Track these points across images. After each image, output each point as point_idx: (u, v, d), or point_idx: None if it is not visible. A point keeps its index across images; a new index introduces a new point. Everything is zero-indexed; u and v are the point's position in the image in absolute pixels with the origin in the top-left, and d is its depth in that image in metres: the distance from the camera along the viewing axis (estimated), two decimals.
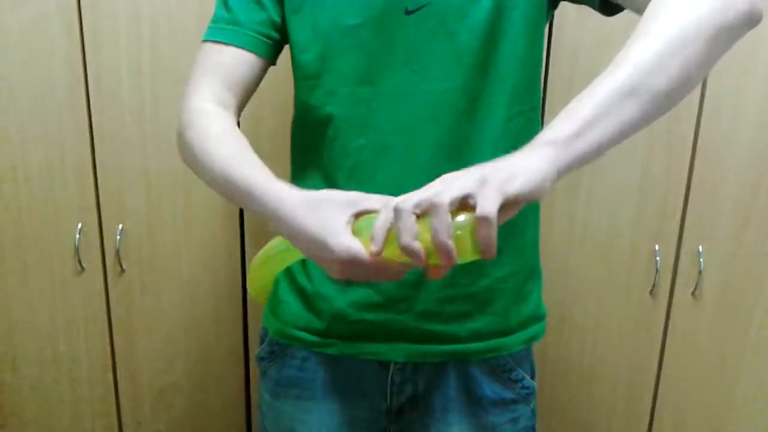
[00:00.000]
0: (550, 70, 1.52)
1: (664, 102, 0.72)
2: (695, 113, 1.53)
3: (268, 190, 0.81)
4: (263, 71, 1.02)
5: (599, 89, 0.70)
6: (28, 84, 1.55)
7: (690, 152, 1.56)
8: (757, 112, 1.51)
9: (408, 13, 0.93)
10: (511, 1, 0.92)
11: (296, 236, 0.77)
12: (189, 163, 0.96)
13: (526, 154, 0.68)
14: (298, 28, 0.98)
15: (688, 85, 0.73)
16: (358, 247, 0.71)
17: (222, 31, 0.98)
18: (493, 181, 0.64)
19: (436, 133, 0.94)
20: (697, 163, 1.56)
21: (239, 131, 0.94)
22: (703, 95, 1.52)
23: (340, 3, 0.94)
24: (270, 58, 1.02)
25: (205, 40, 1.00)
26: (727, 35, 0.73)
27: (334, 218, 0.74)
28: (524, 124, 0.97)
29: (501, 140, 0.95)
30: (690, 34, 0.71)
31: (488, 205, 0.62)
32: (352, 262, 0.71)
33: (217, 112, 0.95)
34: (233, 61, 0.98)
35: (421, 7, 0.92)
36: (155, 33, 1.53)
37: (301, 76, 1.00)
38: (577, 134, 0.68)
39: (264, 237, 1.63)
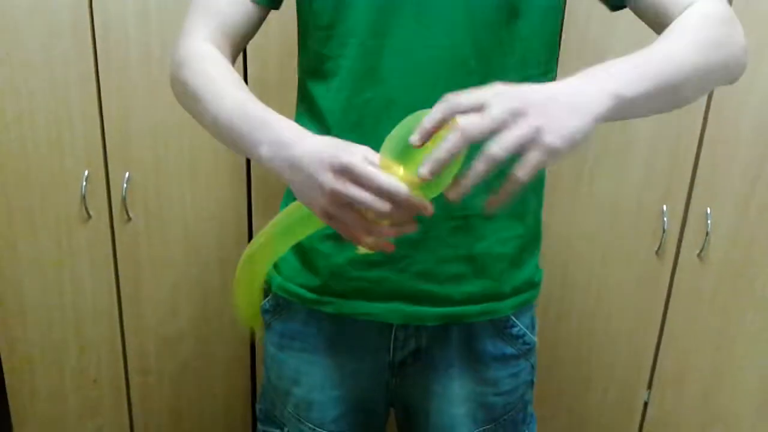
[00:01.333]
0: (561, 44, 1.49)
1: (677, 96, 0.83)
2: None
3: (281, 119, 0.83)
4: (262, 18, 1.02)
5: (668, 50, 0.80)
6: (34, 32, 1.53)
7: (702, 113, 1.54)
8: None
9: None
10: None
11: (303, 151, 0.77)
12: (183, 101, 0.96)
13: (589, 89, 0.72)
14: None
15: (682, 95, 0.84)
16: (372, 166, 0.72)
17: None
18: (545, 139, 0.67)
19: (443, 91, 0.92)
20: (708, 125, 1.54)
21: (236, 73, 0.94)
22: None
23: None
24: (268, 4, 1.01)
25: None
26: (721, 78, 0.87)
27: (350, 146, 0.76)
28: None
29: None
30: (712, 61, 0.83)
31: (522, 174, 0.68)
32: (349, 170, 0.72)
33: (212, 53, 0.94)
34: (232, 5, 0.98)
35: None
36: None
37: (314, 25, 0.98)
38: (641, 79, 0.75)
39: (270, 186, 1.64)
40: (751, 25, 1.43)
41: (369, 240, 0.76)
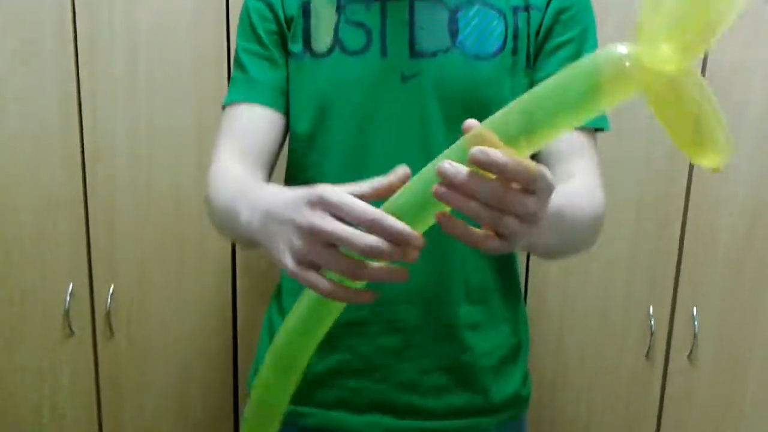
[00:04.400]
0: None
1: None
2: (686, 175, 1.54)
3: (263, 185, 0.82)
4: (286, 128, 1.03)
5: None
6: (21, 148, 1.56)
7: (681, 213, 1.56)
8: (747, 173, 1.52)
9: (404, 79, 0.95)
10: (502, 76, 0.94)
11: (274, 202, 0.69)
12: (212, 221, 0.96)
13: None
14: (297, 88, 1.00)
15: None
16: (344, 189, 0.64)
17: (241, 91, 1.00)
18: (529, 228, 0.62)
19: None
20: (688, 224, 1.56)
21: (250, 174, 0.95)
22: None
23: (337, 65, 0.96)
24: (283, 110, 1.03)
25: (225, 105, 1.02)
26: (580, 243, 0.93)
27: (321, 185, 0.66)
28: None
29: None
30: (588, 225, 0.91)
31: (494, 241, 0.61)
32: (325, 200, 0.62)
33: (232, 166, 0.95)
34: (253, 119, 0.99)
35: (416, 74, 0.94)
36: (151, 88, 1.55)
37: (296, 135, 1.01)
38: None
39: (257, 302, 1.63)
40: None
41: (349, 293, 0.65)
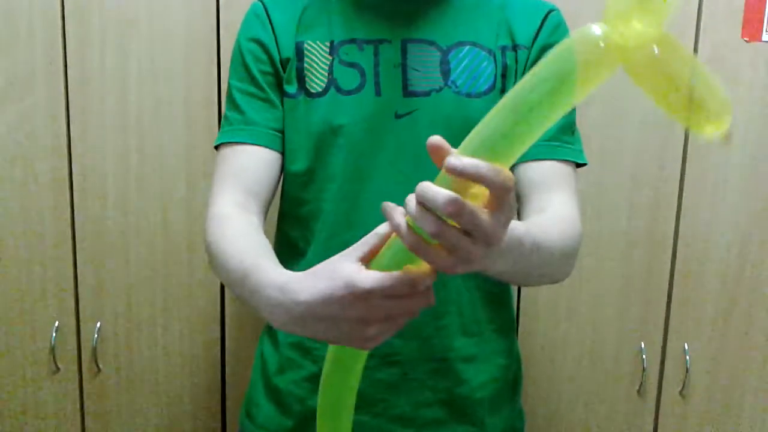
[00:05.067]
0: None
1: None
2: (674, 210, 1.55)
3: (272, 270, 0.78)
4: (282, 167, 1.03)
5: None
6: (11, 185, 1.55)
7: (671, 250, 1.57)
8: (736, 210, 1.53)
9: (398, 117, 0.96)
10: None
11: (309, 305, 0.70)
12: (214, 270, 0.94)
13: None
14: (292, 127, 1.00)
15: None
16: (376, 274, 0.66)
17: (238, 132, 1.00)
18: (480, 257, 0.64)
19: None
20: (678, 261, 1.57)
21: (258, 229, 0.93)
22: (681, 189, 1.54)
23: (333, 104, 0.97)
24: (280, 149, 1.03)
25: (221, 144, 1.01)
26: (548, 273, 0.90)
27: (343, 266, 0.69)
28: None
29: None
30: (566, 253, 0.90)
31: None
32: (373, 291, 0.65)
33: (235, 214, 0.94)
34: (252, 161, 0.99)
35: (410, 112, 0.96)
36: (140, 124, 1.55)
37: (292, 172, 1.02)
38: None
39: (246, 336, 1.61)
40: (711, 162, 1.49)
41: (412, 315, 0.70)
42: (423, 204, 0.59)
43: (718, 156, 1.52)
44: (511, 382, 1.05)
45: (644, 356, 1.60)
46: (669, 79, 0.59)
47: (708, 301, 1.58)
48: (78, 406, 1.65)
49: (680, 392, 1.61)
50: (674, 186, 1.55)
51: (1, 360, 1.62)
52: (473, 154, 0.60)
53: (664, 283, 1.59)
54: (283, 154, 1.02)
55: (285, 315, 0.71)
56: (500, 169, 0.58)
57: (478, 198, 0.61)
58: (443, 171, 0.60)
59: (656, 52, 0.58)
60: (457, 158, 0.58)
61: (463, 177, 0.58)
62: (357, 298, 0.66)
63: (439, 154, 0.61)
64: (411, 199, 0.61)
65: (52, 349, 1.61)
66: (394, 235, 0.67)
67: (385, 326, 0.68)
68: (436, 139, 0.61)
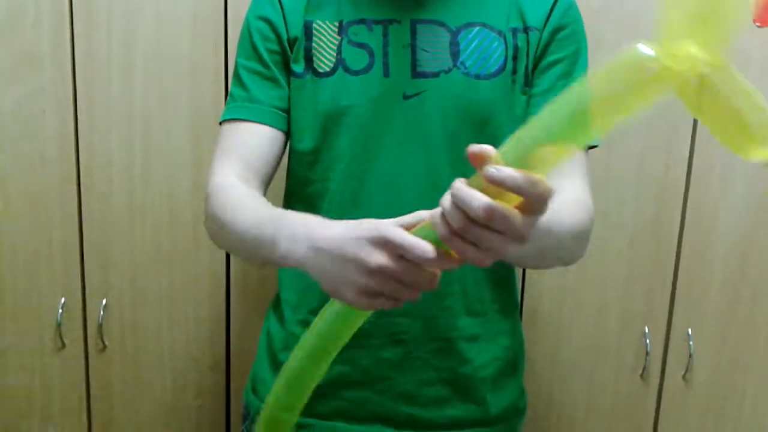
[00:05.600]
0: None
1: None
2: (681, 196, 1.55)
3: (297, 215, 0.81)
4: (284, 145, 1.04)
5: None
6: (17, 161, 1.56)
7: (677, 234, 1.57)
8: (743, 195, 1.53)
9: (406, 98, 0.96)
10: (502, 95, 0.97)
11: (333, 239, 0.72)
12: (216, 236, 0.95)
13: None
14: (299, 106, 1.01)
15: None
16: (403, 232, 0.68)
17: (241, 108, 1.01)
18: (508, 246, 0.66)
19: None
20: (684, 245, 1.57)
21: (260, 196, 0.94)
22: (688, 180, 1.54)
23: (340, 84, 0.97)
24: (288, 131, 1.03)
25: (225, 120, 1.02)
26: (560, 255, 0.95)
27: (375, 220, 0.72)
28: None
29: None
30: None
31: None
32: (393, 242, 0.67)
33: (238, 183, 0.95)
34: (255, 137, 0.99)
35: (419, 93, 0.96)
36: (147, 102, 1.55)
37: (299, 151, 1.02)
38: None
39: (251, 314, 1.62)
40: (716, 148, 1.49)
41: (415, 295, 0.71)
42: (456, 202, 0.61)
43: (723, 156, 1.51)
44: (513, 361, 1.06)
45: (648, 340, 1.60)
46: (719, 105, 0.57)
47: (713, 286, 1.58)
48: (84, 381, 1.66)
49: (683, 376, 1.61)
50: (682, 172, 1.54)
51: (8, 336, 1.63)
52: (513, 161, 0.60)
53: (669, 267, 1.59)
54: (286, 133, 1.03)
55: (305, 246, 0.74)
56: (538, 181, 0.60)
57: (512, 199, 0.61)
58: (478, 176, 0.62)
59: (709, 77, 0.55)
60: (497, 169, 0.59)
61: (502, 187, 0.59)
62: (377, 242, 0.67)
63: (480, 160, 0.62)
64: (447, 196, 0.64)
65: (58, 326, 1.62)
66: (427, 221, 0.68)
67: (385, 287, 0.68)
68: (477, 147, 0.62)
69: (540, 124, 0.62)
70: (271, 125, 1.00)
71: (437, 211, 0.65)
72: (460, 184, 0.62)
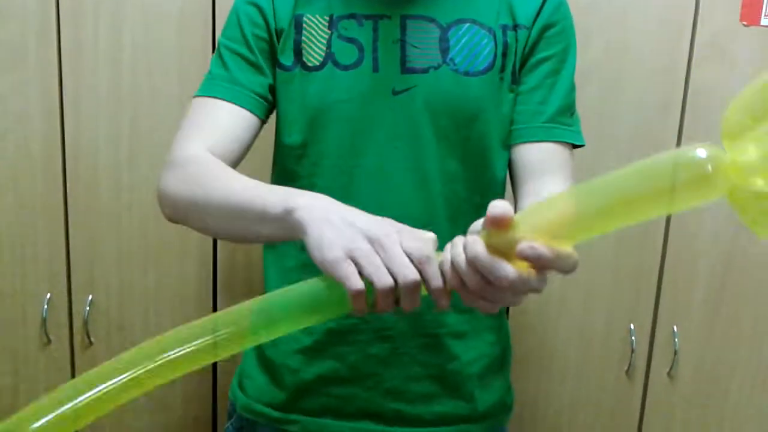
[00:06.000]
0: None
1: None
2: None
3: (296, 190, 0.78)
4: (257, 132, 1.01)
5: None
6: (2, 155, 1.54)
7: (663, 232, 1.58)
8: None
9: (395, 93, 0.96)
10: (491, 92, 0.97)
11: (357, 213, 0.71)
12: (181, 205, 0.89)
13: None
14: (287, 99, 1.00)
15: None
16: (420, 245, 0.67)
17: (220, 87, 0.98)
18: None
19: (416, 210, 0.95)
20: (669, 243, 1.58)
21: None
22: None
23: (330, 79, 0.96)
24: (264, 119, 1.01)
25: (200, 95, 0.99)
26: None
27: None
28: None
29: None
30: None
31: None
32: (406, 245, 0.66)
33: (211, 157, 0.91)
34: (230, 118, 0.96)
35: (408, 89, 0.96)
36: (134, 95, 1.54)
37: (287, 144, 1.01)
38: None
39: None
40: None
41: (363, 305, 0.67)
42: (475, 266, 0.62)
43: (714, 139, 1.52)
44: (501, 358, 1.06)
45: (633, 337, 1.61)
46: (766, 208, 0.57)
47: (698, 284, 1.59)
48: (70, 378, 1.65)
49: (668, 373, 1.62)
50: None
51: None
52: (543, 231, 0.62)
53: (655, 265, 1.60)
54: (262, 121, 1.01)
55: (325, 206, 0.72)
56: (567, 256, 0.63)
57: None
58: (495, 231, 0.62)
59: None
60: (531, 247, 0.60)
61: (536, 264, 0.62)
62: (393, 233, 0.67)
63: (498, 223, 0.62)
64: (458, 254, 0.64)
65: (44, 321, 1.61)
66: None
67: (374, 265, 0.65)
68: (499, 209, 0.62)
69: (571, 199, 0.64)
70: (249, 109, 0.97)
71: (446, 258, 0.66)
72: (480, 249, 0.62)
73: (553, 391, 1.67)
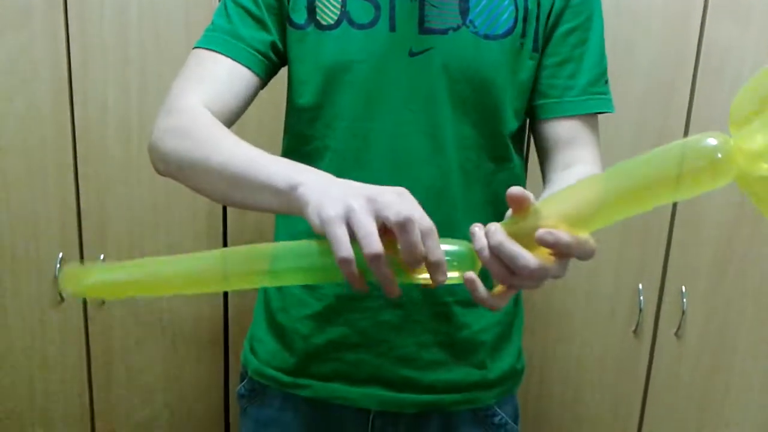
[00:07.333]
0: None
1: None
2: None
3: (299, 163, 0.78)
4: (256, 91, 0.98)
5: None
6: (12, 117, 1.54)
7: None
8: None
9: (412, 54, 0.93)
10: (509, 57, 0.94)
11: (355, 184, 0.70)
12: (174, 160, 0.85)
13: None
14: (300, 59, 0.97)
15: None
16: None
17: (221, 41, 0.94)
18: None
19: (429, 175, 0.94)
20: (678, 203, 1.57)
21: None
22: (686, 134, 1.53)
23: (344, 38, 0.93)
24: (264, 79, 0.98)
25: (200, 47, 0.96)
26: None
27: None
28: (508, 176, 0.99)
29: (490, 188, 0.98)
30: None
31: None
32: (409, 214, 0.64)
33: (211, 116, 0.88)
34: (229, 73, 0.93)
35: (425, 51, 0.93)
36: (142, 55, 1.53)
37: (299, 106, 0.98)
38: None
39: None
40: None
41: (354, 274, 0.66)
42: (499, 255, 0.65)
43: (722, 109, 1.50)
44: (512, 325, 1.06)
45: (641, 297, 1.62)
46: None
47: (706, 244, 1.59)
48: (83, 336, 1.68)
49: (675, 333, 1.63)
50: (679, 131, 1.54)
51: (7, 291, 1.63)
52: (562, 218, 0.65)
53: (664, 225, 1.59)
54: (263, 80, 0.98)
55: (328, 181, 0.72)
56: (585, 242, 0.65)
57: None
58: (516, 219, 0.67)
59: None
60: (550, 233, 0.63)
61: (553, 250, 0.64)
62: (396, 197, 0.65)
63: (518, 203, 0.65)
64: (480, 238, 0.67)
65: (56, 280, 1.62)
66: None
67: (367, 229, 0.63)
68: (517, 191, 0.65)
69: (588, 186, 0.67)
70: (248, 67, 0.94)
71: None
72: (503, 238, 0.64)
73: (561, 352, 1.68)
